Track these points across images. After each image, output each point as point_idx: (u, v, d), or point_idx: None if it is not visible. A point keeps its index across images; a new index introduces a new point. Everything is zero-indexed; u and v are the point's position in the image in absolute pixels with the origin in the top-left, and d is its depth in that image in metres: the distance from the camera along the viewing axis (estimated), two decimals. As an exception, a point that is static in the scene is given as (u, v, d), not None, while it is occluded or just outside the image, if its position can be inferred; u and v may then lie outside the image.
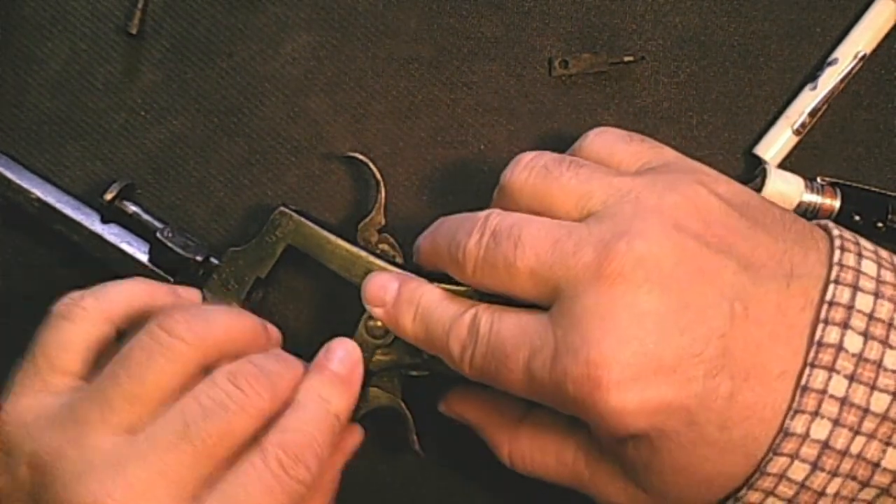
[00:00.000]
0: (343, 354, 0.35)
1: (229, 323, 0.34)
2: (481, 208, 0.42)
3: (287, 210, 0.37)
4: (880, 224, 0.39)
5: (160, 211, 0.41)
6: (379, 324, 0.36)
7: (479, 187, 0.41)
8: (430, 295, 0.35)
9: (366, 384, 0.37)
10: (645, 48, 0.41)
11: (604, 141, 0.35)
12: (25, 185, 0.40)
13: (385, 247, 0.38)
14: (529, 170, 0.33)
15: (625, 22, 0.41)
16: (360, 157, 0.39)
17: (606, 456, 0.33)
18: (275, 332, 0.37)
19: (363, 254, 0.37)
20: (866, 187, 0.40)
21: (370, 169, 0.39)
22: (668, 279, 0.29)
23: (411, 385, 0.38)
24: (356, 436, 0.37)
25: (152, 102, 0.41)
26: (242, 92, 0.41)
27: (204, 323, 0.33)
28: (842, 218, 0.39)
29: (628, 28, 0.41)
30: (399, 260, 0.38)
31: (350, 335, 0.36)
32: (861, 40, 0.40)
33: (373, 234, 0.38)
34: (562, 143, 0.41)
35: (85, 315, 0.33)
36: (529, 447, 0.35)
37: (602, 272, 0.29)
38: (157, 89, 0.41)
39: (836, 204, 0.39)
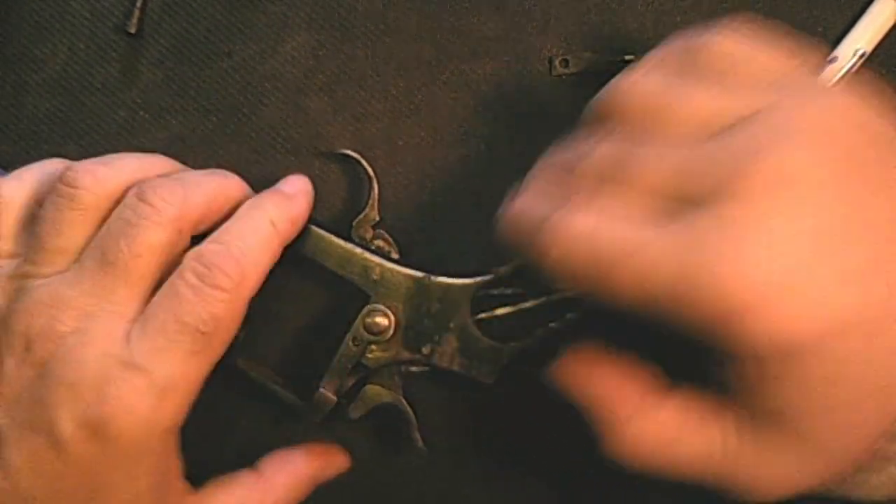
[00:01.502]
0: (292, 179, 0.37)
1: (214, 191, 0.35)
2: (481, 209, 0.42)
3: None
4: None
5: (159, 211, 0.41)
6: (377, 320, 0.36)
7: (479, 187, 0.41)
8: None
9: (365, 381, 0.37)
10: (646, 47, 0.41)
11: (728, 48, 0.30)
12: None
13: (380, 243, 0.38)
14: (643, 84, 0.30)
15: (625, 21, 0.41)
16: (352, 153, 0.39)
17: (762, 423, 0.28)
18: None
19: (358, 250, 0.37)
20: None
21: (362, 166, 0.39)
22: (823, 189, 0.26)
23: (411, 381, 0.38)
24: (339, 460, 0.38)
25: (151, 102, 0.41)
26: (242, 91, 0.41)
27: (182, 191, 0.33)
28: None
29: (629, 27, 0.41)
30: (395, 255, 0.38)
31: (346, 331, 0.36)
32: (861, 38, 0.40)
33: (367, 230, 0.38)
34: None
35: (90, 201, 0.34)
36: (661, 431, 0.30)
37: (748, 186, 0.25)
38: (157, 89, 0.41)
39: None
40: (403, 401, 0.37)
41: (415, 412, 0.37)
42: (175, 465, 0.34)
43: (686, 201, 0.27)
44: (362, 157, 0.40)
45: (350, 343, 0.37)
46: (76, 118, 0.41)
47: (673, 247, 0.26)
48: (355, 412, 0.37)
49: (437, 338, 0.37)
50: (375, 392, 0.37)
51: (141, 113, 0.41)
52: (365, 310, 0.36)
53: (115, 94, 0.41)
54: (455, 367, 0.37)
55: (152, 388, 0.31)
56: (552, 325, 0.37)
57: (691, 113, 0.28)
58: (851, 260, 0.25)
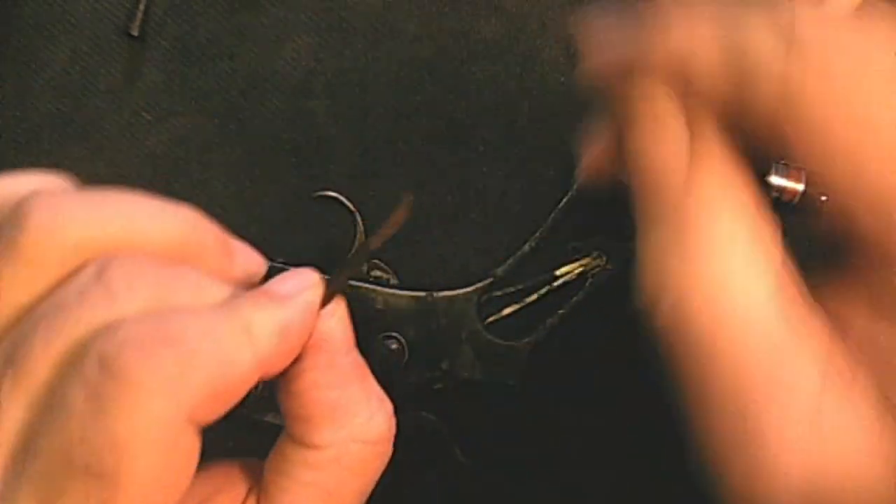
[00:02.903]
0: (287, 276, 0.25)
1: (135, 211, 0.24)
2: (482, 210, 0.42)
3: (276, 264, 0.38)
4: None
5: (162, 212, 0.41)
6: (392, 347, 0.36)
7: (478, 189, 0.41)
8: None
9: (393, 411, 0.37)
10: (643, 49, 0.41)
11: None
12: None
13: (377, 273, 0.39)
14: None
15: (623, 23, 0.41)
16: (331, 193, 0.40)
17: None
18: (250, 258, 0.27)
19: (358, 284, 0.38)
20: None
21: (343, 203, 0.39)
22: None
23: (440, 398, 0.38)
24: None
25: (154, 104, 0.41)
26: (243, 93, 0.41)
27: (83, 209, 0.23)
28: (805, 201, 0.39)
29: (627, 29, 0.41)
30: (394, 281, 0.39)
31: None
32: None
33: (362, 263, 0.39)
34: (561, 144, 0.41)
35: None
36: None
37: None
38: (159, 91, 0.41)
39: (800, 187, 0.39)
40: (436, 420, 0.38)
41: (449, 428, 0.38)
42: None
43: None
44: (345, 197, 0.40)
45: None
46: (78, 120, 0.42)
47: None
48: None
49: (452, 351, 0.37)
50: (407, 417, 0.38)
51: (143, 114, 0.41)
52: (376, 340, 0.37)
53: (118, 96, 0.41)
54: (477, 375, 0.37)
55: None
56: (561, 311, 0.37)
57: None
58: None
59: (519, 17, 0.42)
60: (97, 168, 0.41)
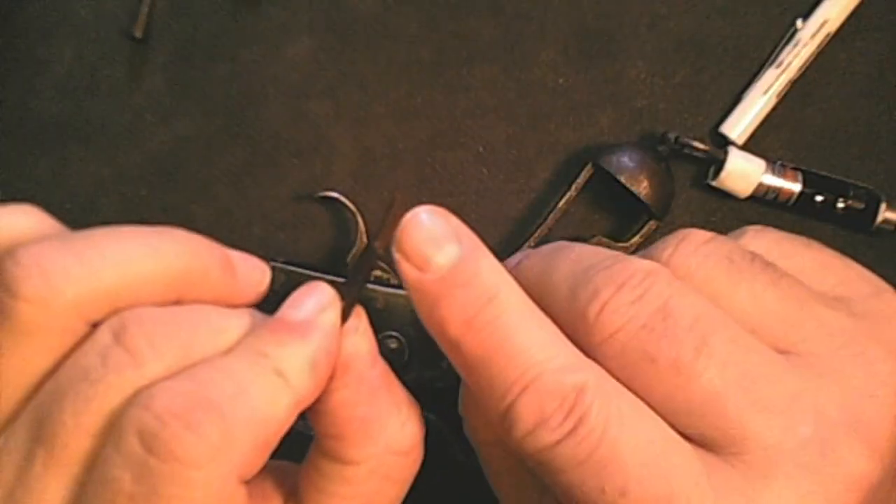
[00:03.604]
0: (301, 297, 0.24)
1: (129, 254, 0.22)
2: (481, 210, 0.42)
3: (277, 264, 0.38)
4: (841, 204, 0.39)
5: (163, 214, 0.41)
6: (393, 346, 0.36)
7: (478, 190, 0.41)
8: (516, 298, 0.23)
9: None
10: (641, 51, 0.42)
11: (775, 241, 0.26)
12: None
13: (377, 273, 0.39)
14: (704, 255, 0.24)
15: (621, 25, 0.42)
16: (333, 194, 0.40)
17: None
18: (252, 267, 0.26)
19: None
20: (827, 174, 0.40)
21: (344, 204, 0.40)
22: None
23: (439, 397, 0.38)
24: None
25: (156, 105, 0.42)
26: (245, 95, 0.42)
27: (77, 264, 0.21)
28: (802, 202, 0.40)
29: (624, 31, 0.42)
30: (394, 281, 0.39)
31: None
32: (828, 14, 0.41)
33: None
34: (559, 145, 0.41)
35: None
36: None
37: (822, 468, 0.21)
38: (161, 92, 0.42)
39: (797, 188, 0.40)
40: (437, 418, 0.38)
41: (449, 426, 0.38)
42: None
43: (744, 435, 0.22)
44: (346, 197, 0.40)
45: None
46: (81, 121, 0.42)
47: None
48: None
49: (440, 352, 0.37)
50: None
51: (146, 116, 0.42)
52: (377, 340, 0.37)
53: (120, 98, 0.42)
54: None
55: None
56: None
57: (762, 310, 0.24)
58: None
59: (518, 19, 0.42)
60: (99, 169, 0.42)
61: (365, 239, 0.39)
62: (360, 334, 0.24)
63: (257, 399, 0.21)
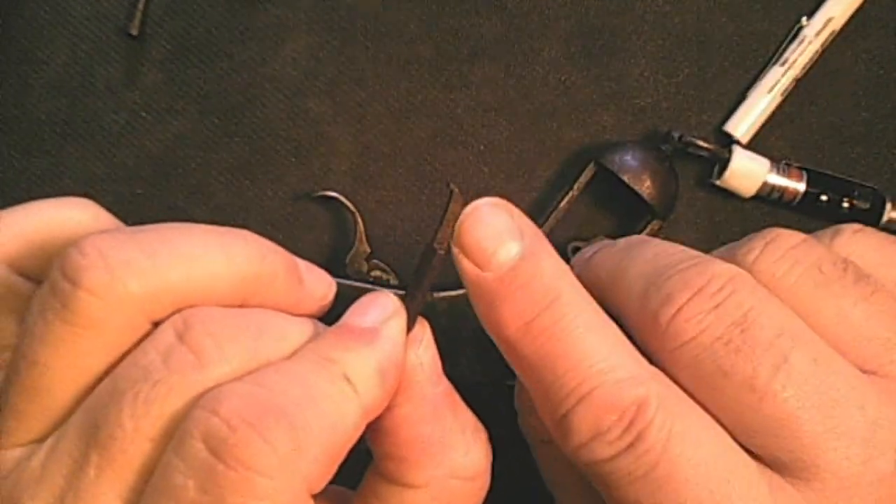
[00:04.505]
0: (366, 305, 0.23)
1: (199, 252, 0.21)
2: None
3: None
4: (846, 204, 0.39)
5: (161, 212, 0.41)
6: None
7: (479, 189, 0.41)
8: (578, 302, 0.22)
9: None
10: (644, 48, 0.41)
11: (875, 247, 0.24)
12: None
13: (377, 273, 0.39)
14: (793, 261, 0.22)
15: (624, 22, 0.41)
16: (331, 193, 0.40)
17: None
18: (318, 278, 0.25)
19: (357, 285, 0.37)
20: (832, 173, 0.40)
21: (343, 203, 0.39)
22: None
23: None
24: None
25: (153, 103, 0.41)
26: (243, 93, 0.41)
27: (143, 257, 0.20)
28: (807, 201, 0.39)
29: (627, 28, 0.41)
30: (394, 281, 0.39)
31: None
32: (832, 12, 0.40)
33: (362, 263, 0.39)
34: (561, 144, 0.41)
35: None
36: None
37: None
38: (158, 90, 0.41)
39: (801, 187, 0.39)
40: None
41: None
42: None
43: (815, 460, 0.21)
44: (345, 196, 0.40)
45: None
46: (77, 119, 0.41)
47: None
48: None
49: (452, 352, 0.37)
50: None
51: (142, 114, 0.41)
52: None
53: (117, 96, 0.41)
54: (477, 375, 0.37)
55: None
56: None
57: (851, 327, 0.22)
58: None
59: (519, 16, 0.41)
60: (96, 167, 0.41)
61: (365, 239, 0.39)
62: (424, 346, 0.24)
63: (326, 406, 0.20)
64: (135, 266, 0.20)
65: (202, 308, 0.21)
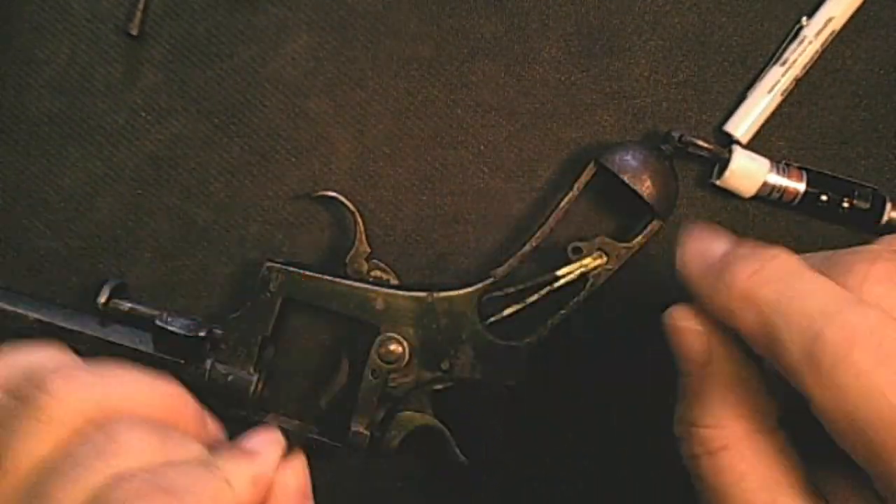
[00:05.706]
0: (257, 433, 0.30)
1: (131, 381, 0.28)
2: (482, 209, 0.42)
3: (274, 264, 0.38)
4: (846, 204, 0.39)
5: (161, 212, 0.41)
6: (391, 348, 0.36)
7: (479, 189, 0.41)
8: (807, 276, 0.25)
9: (395, 410, 0.37)
10: (644, 48, 0.41)
11: None
12: (21, 310, 0.39)
13: (377, 273, 0.39)
14: None
15: (624, 22, 0.41)
16: (331, 194, 0.40)
17: None
18: (214, 425, 0.32)
19: (357, 285, 0.37)
20: (832, 173, 0.40)
21: (343, 203, 0.39)
22: None
23: (439, 399, 0.38)
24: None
25: (153, 103, 0.41)
26: (243, 93, 0.41)
27: (95, 378, 0.27)
28: (807, 202, 0.39)
29: (627, 28, 0.41)
30: (394, 281, 0.39)
31: (362, 367, 0.37)
32: (832, 12, 0.41)
33: (362, 264, 0.39)
34: (561, 144, 0.41)
35: None
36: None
37: None
38: (158, 90, 0.41)
39: (801, 187, 0.39)
40: (436, 420, 0.38)
41: (449, 428, 0.38)
42: None
43: None
44: (345, 196, 0.40)
45: (370, 377, 0.37)
46: (77, 119, 0.41)
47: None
48: (393, 441, 0.37)
49: (452, 351, 0.37)
50: (408, 418, 0.38)
51: (142, 114, 0.41)
52: (377, 341, 0.37)
53: (117, 96, 0.41)
54: (477, 375, 0.37)
55: None
56: (561, 311, 0.37)
57: None
58: None
59: (519, 16, 0.41)
60: (95, 167, 0.41)
61: (365, 239, 0.39)
62: (292, 471, 0.30)
63: (205, 495, 0.26)
64: (87, 386, 0.27)
65: (127, 419, 0.27)
